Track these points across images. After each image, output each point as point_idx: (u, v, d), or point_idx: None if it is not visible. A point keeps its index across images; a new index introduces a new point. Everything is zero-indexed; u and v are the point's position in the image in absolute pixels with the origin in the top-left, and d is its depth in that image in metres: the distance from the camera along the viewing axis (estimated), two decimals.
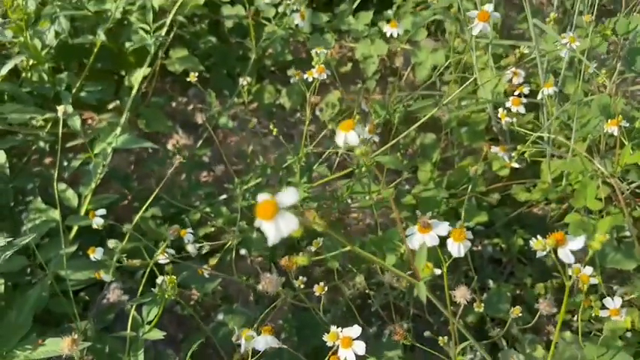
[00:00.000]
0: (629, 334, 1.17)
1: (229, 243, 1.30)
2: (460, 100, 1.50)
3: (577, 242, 0.54)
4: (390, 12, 1.77)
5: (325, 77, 1.12)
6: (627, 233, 1.36)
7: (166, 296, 0.84)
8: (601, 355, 1.10)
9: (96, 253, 0.93)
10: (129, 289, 1.28)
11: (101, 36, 1.30)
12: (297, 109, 1.79)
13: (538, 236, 0.57)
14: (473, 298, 1.22)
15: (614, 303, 0.87)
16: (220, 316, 1.22)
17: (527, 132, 1.12)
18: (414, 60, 1.52)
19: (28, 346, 0.82)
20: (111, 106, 1.65)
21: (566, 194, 1.41)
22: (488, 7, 0.79)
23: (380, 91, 1.82)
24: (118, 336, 0.98)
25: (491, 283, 1.35)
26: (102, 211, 1.01)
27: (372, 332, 1.20)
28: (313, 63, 1.08)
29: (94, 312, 1.17)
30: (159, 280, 0.90)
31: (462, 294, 0.80)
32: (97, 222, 0.99)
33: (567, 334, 1.24)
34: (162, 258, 0.94)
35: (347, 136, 0.52)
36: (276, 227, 0.44)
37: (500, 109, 1.13)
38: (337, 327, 1.07)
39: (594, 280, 0.82)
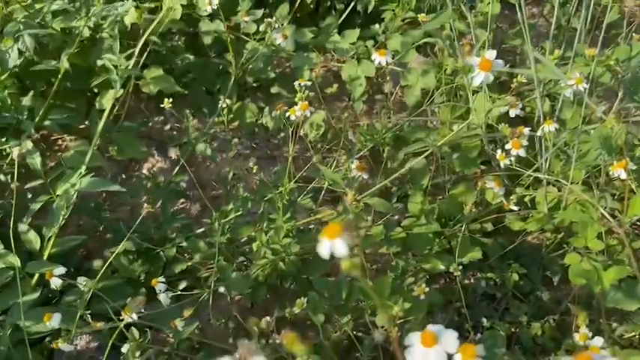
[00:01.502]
0: None
1: (207, 281, 1.22)
2: (451, 125, 1.43)
3: None
4: (377, 26, 1.69)
5: (308, 113, 1.03)
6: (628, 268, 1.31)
7: None
8: None
9: (53, 320, 0.84)
10: (97, 337, 1.19)
11: (64, 63, 1.20)
12: (280, 129, 1.70)
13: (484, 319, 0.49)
14: None
15: None
16: None
17: (522, 169, 1.04)
18: (403, 83, 1.44)
19: None
20: (82, 126, 1.55)
21: (563, 225, 1.35)
22: (491, 55, 0.72)
23: (368, 110, 1.74)
24: None
25: (485, 321, 1.28)
26: (60, 270, 0.91)
27: None
28: (296, 99, 0.99)
29: None
30: (124, 348, 0.81)
31: None
32: (55, 283, 0.90)
33: None
34: (127, 317, 0.85)
35: (334, 244, 0.44)
36: None
37: (499, 151, 1.05)
38: None
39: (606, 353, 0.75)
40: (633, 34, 1.35)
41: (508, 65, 1.79)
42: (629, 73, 1.12)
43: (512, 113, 1.08)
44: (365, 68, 1.48)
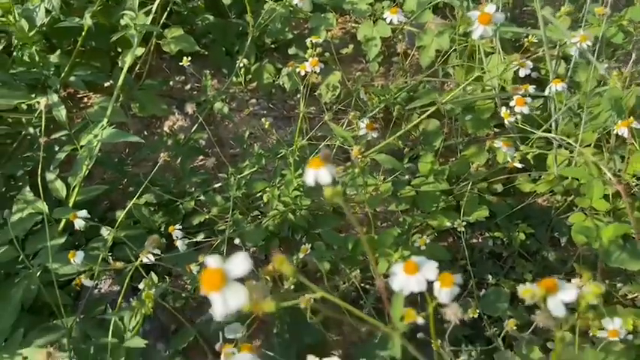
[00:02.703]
0: (630, 337, 1.14)
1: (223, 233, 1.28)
2: (465, 87, 1.44)
3: (569, 293, 0.50)
4: None
5: (319, 69, 1.06)
6: (631, 231, 1.32)
7: (144, 311, 0.82)
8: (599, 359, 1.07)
9: (76, 258, 0.91)
10: (120, 281, 1.26)
11: (88, 20, 1.24)
12: (297, 90, 1.73)
13: (527, 283, 0.53)
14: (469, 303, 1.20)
15: (613, 324, 0.83)
16: (212, 310, 1.20)
17: (530, 129, 1.06)
18: (418, 43, 1.45)
19: (5, 355, 0.81)
20: (106, 84, 1.61)
21: (573, 187, 1.36)
22: (491, 9, 0.73)
23: (384, 71, 1.75)
24: (104, 336, 0.96)
25: (490, 278, 1.32)
26: (83, 213, 0.98)
27: (365, 331, 1.17)
28: (307, 55, 1.02)
29: (84, 303, 1.15)
30: (141, 285, 0.88)
31: (453, 312, 0.77)
32: (79, 224, 0.96)
33: (569, 335, 1.21)
34: (146, 259, 0.92)
35: (317, 174, 0.48)
36: (223, 300, 0.40)
37: (504, 108, 1.07)
38: (326, 328, 1.05)
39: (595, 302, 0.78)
40: None
41: (527, 27, 1.78)
42: None
43: (522, 73, 1.08)
44: (380, 29, 1.49)
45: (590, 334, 0.90)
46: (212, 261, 0.41)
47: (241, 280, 0.42)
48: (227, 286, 0.40)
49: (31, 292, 1.08)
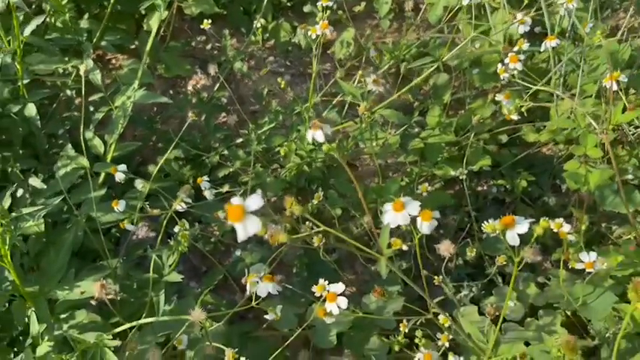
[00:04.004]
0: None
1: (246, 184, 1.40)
2: (473, 41, 1.50)
3: (522, 226, 0.60)
4: None
5: (329, 31, 1.14)
6: (630, 177, 1.40)
7: (180, 249, 0.95)
8: (587, 294, 1.18)
9: (119, 206, 1.04)
10: (155, 227, 1.41)
11: None
12: (312, 48, 1.81)
13: (490, 220, 0.63)
14: (467, 242, 1.30)
15: (589, 257, 0.93)
16: (238, 252, 1.34)
17: (527, 84, 1.13)
18: (427, 1, 1.51)
19: (66, 287, 0.95)
20: (132, 46, 1.71)
21: (573, 136, 1.43)
22: None
23: (397, 26, 1.81)
24: (144, 275, 1.10)
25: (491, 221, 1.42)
26: (123, 167, 1.10)
27: (375, 269, 1.30)
28: (317, 19, 1.11)
29: (124, 248, 1.30)
30: (176, 228, 1.01)
31: (445, 247, 0.88)
32: (119, 177, 1.09)
33: (564, 272, 1.31)
34: (179, 207, 1.04)
35: (315, 134, 0.58)
36: (244, 228, 0.51)
37: (499, 65, 1.14)
38: (341, 268, 1.18)
39: (572, 238, 0.88)
40: None
41: None
42: None
43: (521, 29, 1.15)
44: None
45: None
46: (235, 200, 0.53)
47: (257, 213, 0.53)
48: (246, 217, 0.51)
49: (78, 238, 1.22)
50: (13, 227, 0.83)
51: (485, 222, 1.45)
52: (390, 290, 1.22)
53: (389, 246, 0.65)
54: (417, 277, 1.31)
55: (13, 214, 0.89)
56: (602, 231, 1.44)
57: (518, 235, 0.60)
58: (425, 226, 0.65)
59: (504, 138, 1.51)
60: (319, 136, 0.59)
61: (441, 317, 1.00)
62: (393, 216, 0.62)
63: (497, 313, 0.97)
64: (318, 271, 1.29)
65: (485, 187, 1.51)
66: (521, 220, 0.61)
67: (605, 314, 1.15)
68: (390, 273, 1.29)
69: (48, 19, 1.56)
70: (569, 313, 1.22)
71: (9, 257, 0.88)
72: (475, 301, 1.29)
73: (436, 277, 1.14)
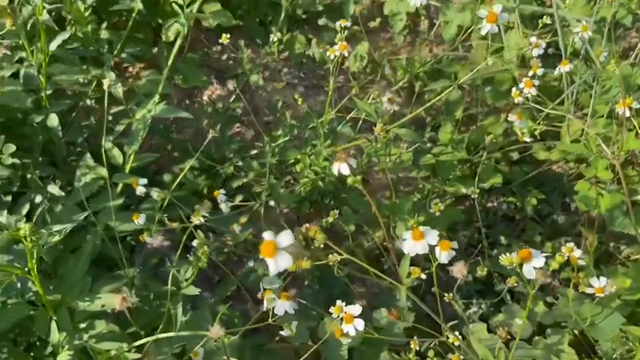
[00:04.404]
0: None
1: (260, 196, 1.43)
2: (486, 59, 1.52)
3: (539, 260, 0.62)
4: None
5: (346, 53, 1.16)
6: (639, 198, 1.42)
7: (200, 264, 0.97)
8: (595, 314, 1.19)
9: (139, 219, 1.07)
10: (170, 236, 1.43)
11: (139, 4, 1.36)
12: (326, 59, 1.83)
13: (507, 253, 0.65)
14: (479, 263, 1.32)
15: (599, 282, 0.95)
16: (251, 263, 1.36)
17: (540, 107, 1.15)
18: (441, 19, 1.53)
19: (87, 298, 0.98)
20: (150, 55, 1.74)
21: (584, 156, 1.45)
22: (497, 9, 0.82)
23: (411, 41, 1.84)
24: (160, 285, 1.13)
25: (502, 239, 1.44)
26: (144, 180, 1.13)
27: (385, 283, 1.31)
28: (336, 39, 1.13)
29: (140, 257, 1.32)
30: (195, 242, 1.03)
31: (459, 269, 0.90)
32: (140, 190, 1.12)
33: (571, 291, 1.33)
34: (197, 220, 1.07)
35: (340, 167, 0.60)
36: (275, 263, 0.54)
37: (514, 89, 1.16)
38: (351, 281, 1.20)
39: (582, 262, 0.90)
40: None
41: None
42: None
43: (535, 53, 1.17)
44: (406, 4, 1.57)
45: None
46: (267, 235, 0.55)
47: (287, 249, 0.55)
48: (278, 253, 0.53)
49: (96, 248, 1.25)
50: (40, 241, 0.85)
51: (492, 243, 1.48)
52: (401, 306, 1.24)
53: (408, 275, 0.67)
54: (426, 293, 1.33)
55: (43, 230, 0.92)
56: (611, 250, 1.46)
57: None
58: (443, 256, 0.67)
59: (515, 155, 1.53)
60: (345, 169, 0.61)
61: (451, 337, 1.02)
62: (412, 245, 0.64)
63: (507, 336, 0.98)
64: (330, 284, 1.31)
65: (495, 204, 1.52)
66: (538, 254, 0.63)
67: (613, 335, 1.17)
68: (400, 292, 1.32)
69: (69, 29, 1.59)
70: (576, 332, 1.24)
71: (35, 270, 0.90)
72: (484, 318, 1.31)
73: (447, 295, 1.16)
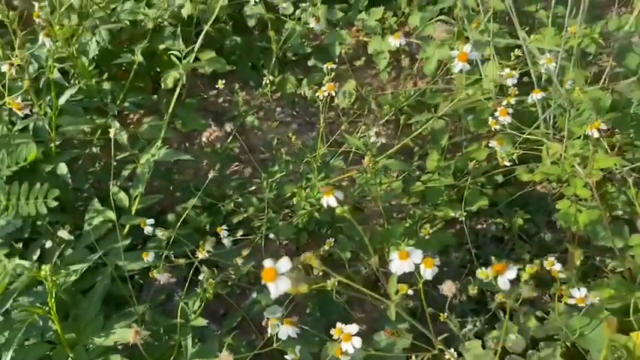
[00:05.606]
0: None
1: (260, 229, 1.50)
2: (466, 90, 1.62)
3: (512, 272, 0.69)
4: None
5: (334, 93, 1.25)
6: (620, 212, 1.49)
7: (207, 295, 1.04)
8: (584, 325, 1.26)
9: (149, 257, 1.14)
10: (175, 274, 1.49)
11: (139, 56, 1.46)
12: (317, 98, 1.93)
13: (482, 268, 0.72)
14: (468, 283, 1.38)
15: (579, 292, 1.02)
16: (254, 295, 1.43)
17: (516, 133, 1.24)
18: (421, 55, 1.63)
19: (102, 334, 1.04)
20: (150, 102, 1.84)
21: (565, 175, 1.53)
22: (467, 49, 0.92)
23: (395, 76, 1.94)
24: (169, 319, 1.19)
25: (493, 259, 1.50)
26: (151, 221, 1.21)
27: (384, 307, 1.38)
28: (324, 81, 1.22)
29: (149, 294, 1.39)
30: (201, 276, 1.10)
31: (448, 288, 0.97)
32: (148, 230, 1.19)
33: (562, 305, 1.39)
34: (202, 255, 1.14)
35: (328, 200, 0.68)
36: (276, 287, 0.61)
37: (490, 117, 1.25)
38: (351, 307, 1.26)
39: (563, 275, 0.97)
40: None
41: (524, 29, 1.94)
42: (617, 43, 1.28)
43: (510, 82, 1.27)
44: (388, 43, 1.67)
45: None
46: (268, 262, 0.62)
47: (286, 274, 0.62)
48: (278, 278, 0.61)
49: (106, 286, 1.31)
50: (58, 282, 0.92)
51: (483, 263, 1.55)
52: (399, 327, 1.30)
53: (396, 292, 0.74)
54: (423, 314, 1.39)
55: (62, 271, 0.99)
56: (597, 264, 1.52)
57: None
58: (427, 273, 0.74)
59: (500, 178, 1.61)
60: (332, 202, 0.69)
61: (447, 354, 1.07)
62: (399, 264, 0.71)
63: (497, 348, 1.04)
64: (330, 311, 1.37)
65: (484, 226, 1.60)
66: (511, 267, 0.70)
67: (602, 345, 1.23)
68: (398, 313, 1.38)
69: (72, 82, 1.69)
70: (568, 344, 1.29)
71: (54, 309, 0.97)
72: (479, 335, 1.37)
73: (441, 315, 1.23)
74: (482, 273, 0.69)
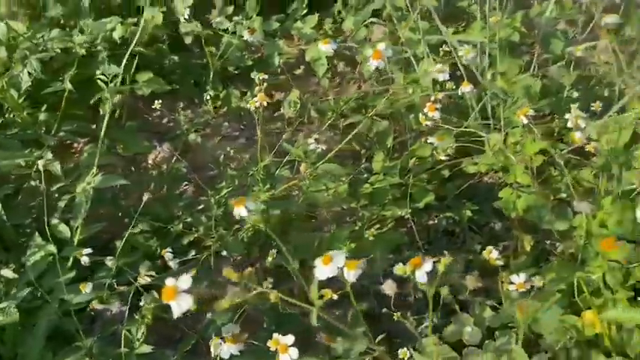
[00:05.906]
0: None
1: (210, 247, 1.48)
2: (406, 89, 1.63)
3: (428, 265, 0.69)
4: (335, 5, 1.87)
5: (266, 103, 1.25)
6: (564, 195, 1.52)
7: (146, 321, 1.01)
8: (536, 310, 1.27)
9: (87, 288, 1.11)
10: (126, 301, 1.46)
11: (67, 84, 1.44)
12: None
13: (400, 264, 0.72)
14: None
15: (518, 278, 1.03)
16: (209, 315, 1.40)
17: (451, 127, 1.25)
18: (359, 58, 1.64)
19: None
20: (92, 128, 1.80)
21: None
22: (381, 47, 0.92)
23: (338, 81, 1.95)
24: (116, 350, 1.16)
25: (446, 253, 1.51)
26: (87, 250, 1.18)
27: (338, 314, 1.36)
28: (255, 91, 1.21)
29: (99, 326, 1.35)
30: (141, 302, 1.07)
31: (389, 287, 0.96)
32: (85, 260, 1.16)
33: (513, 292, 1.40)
34: (145, 279, 1.11)
35: (239, 211, 0.67)
36: (178, 305, 0.59)
37: (420, 115, 1.27)
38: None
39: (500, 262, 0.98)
40: None
41: (460, 24, 1.98)
42: (541, 30, 1.31)
43: (441, 77, 1.28)
44: (325, 50, 1.68)
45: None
46: (169, 280, 0.61)
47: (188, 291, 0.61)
48: (178, 296, 0.59)
49: (51, 323, 1.27)
50: None
51: (442, 252, 1.55)
52: (356, 332, 1.29)
53: (320, 297, 0.73)
54: (378, 316, 1.39)
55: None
56: (548, 248, 1.54)
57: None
58: (351, 275, 0.73)
59: (447, 173, 1.62)
60: (243, 212, 0.68)
61: (400, 352, 1.07)
62: (322, 269, 0.71)
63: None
64: (286, 324, 1.35)
65: (435, 221, 1.61)
66: (427, 260, 0.70)
67: (554, 327, 1.24)
68: (354, 316, 1.37)
69: (7, 116, 1.65)
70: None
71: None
72: (439, 330, 1.37)
73: (395, 314, 1.22)
74: (400, 269, 0.69)
